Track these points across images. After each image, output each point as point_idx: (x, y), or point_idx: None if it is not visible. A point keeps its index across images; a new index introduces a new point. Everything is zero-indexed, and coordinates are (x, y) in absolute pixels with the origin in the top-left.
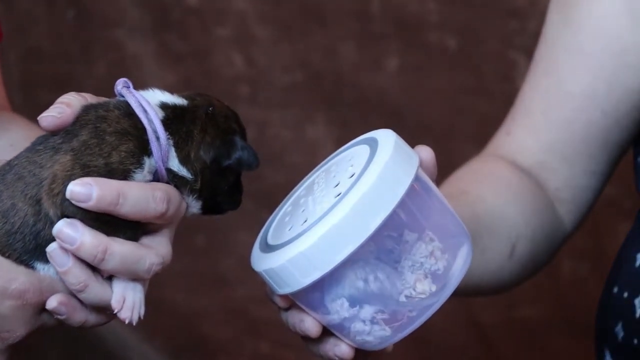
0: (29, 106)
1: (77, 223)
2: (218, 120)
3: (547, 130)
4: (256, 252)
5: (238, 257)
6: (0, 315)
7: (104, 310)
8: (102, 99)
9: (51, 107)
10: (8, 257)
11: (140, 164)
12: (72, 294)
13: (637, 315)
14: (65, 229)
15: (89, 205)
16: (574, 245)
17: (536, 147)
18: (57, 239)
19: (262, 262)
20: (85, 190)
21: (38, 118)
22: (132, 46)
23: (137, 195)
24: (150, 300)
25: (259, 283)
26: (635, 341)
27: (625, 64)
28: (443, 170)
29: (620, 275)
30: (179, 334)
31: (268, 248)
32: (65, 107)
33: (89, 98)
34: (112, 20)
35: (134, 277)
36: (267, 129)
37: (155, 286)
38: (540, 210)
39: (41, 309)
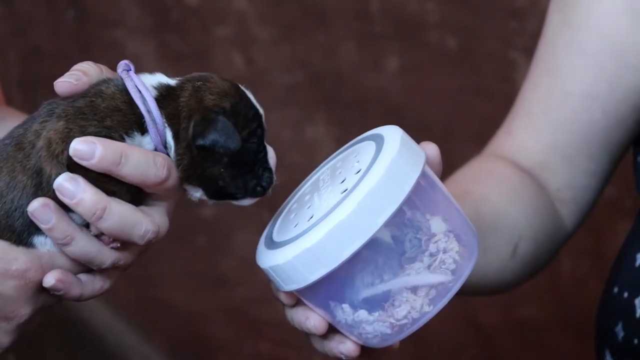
0: (29, 106)
1: (78, 178)
2: (205, 97)
3: (548, 130)
4: (261, 249)
5: (238, 258)
6: (4, 296)
7: (98, 278)
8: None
9: (67, 73)
10: (7, 239)
11: (129, 135)
12: (69, 269)
13: (638, 315)
14: (66, 183)
15: (91, 163)
16: (575, 244)
17: (537, 147)
18: (57, 193)
19: (267, 258)
20: (88, 148)
21: (54, 83)
22: (132, 46)
23: (139, 157)
24: (150, 300)
25: (259, 283)
26: (636, 341)
27: (626, 64)
28: (443, 170)
29: (620, 275)
30: (179, 334)
31: (274, 245)
32: (82, 74)
33: (105, 70)
34: (112, 20)
35: (128, 241)
36: (267, 129)
37: (156, 286)
38: (542, 210)
39: (42, 286)
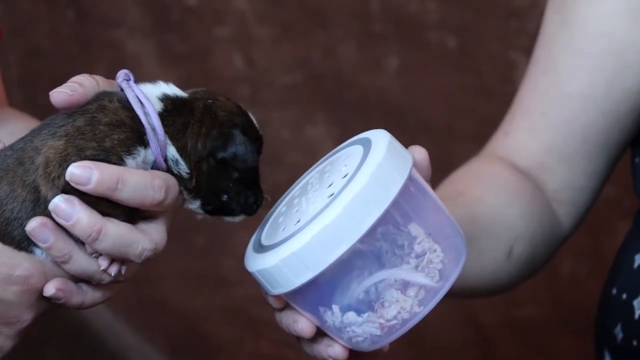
0: (29, 106)
1: (74, 200)
2: (218, 113)
3: (546, 131)
4: (250, 253)
5: (238, 258)
6: (6, 302)
7: (99, 288)
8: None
9: (64, 84)
10: (8, 244)
11: (131, 153)
12: (70, 277)
13: (637, 316)
14: (62, 204)
15: (87, 188)
16: (574, 244)
17: (535, 148)
18: (52, 214)
19: (255, 262)
20: (85, 173)
21: (50, 93)
22: (132, 46)
23: (136, 181)
24: (150, 300)
25: (258, 283)
26: (635, 342)
27: (625, 64)
28: (443, 170)
29: (619, 277)
30: (179, 334)
31: (261, 248)
32: (78, 86)
33: (101, 81)
34: (112, 20)
35: (125, 259)
36: (267, 129)
37: (156, 287)
38: (538, 211)
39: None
